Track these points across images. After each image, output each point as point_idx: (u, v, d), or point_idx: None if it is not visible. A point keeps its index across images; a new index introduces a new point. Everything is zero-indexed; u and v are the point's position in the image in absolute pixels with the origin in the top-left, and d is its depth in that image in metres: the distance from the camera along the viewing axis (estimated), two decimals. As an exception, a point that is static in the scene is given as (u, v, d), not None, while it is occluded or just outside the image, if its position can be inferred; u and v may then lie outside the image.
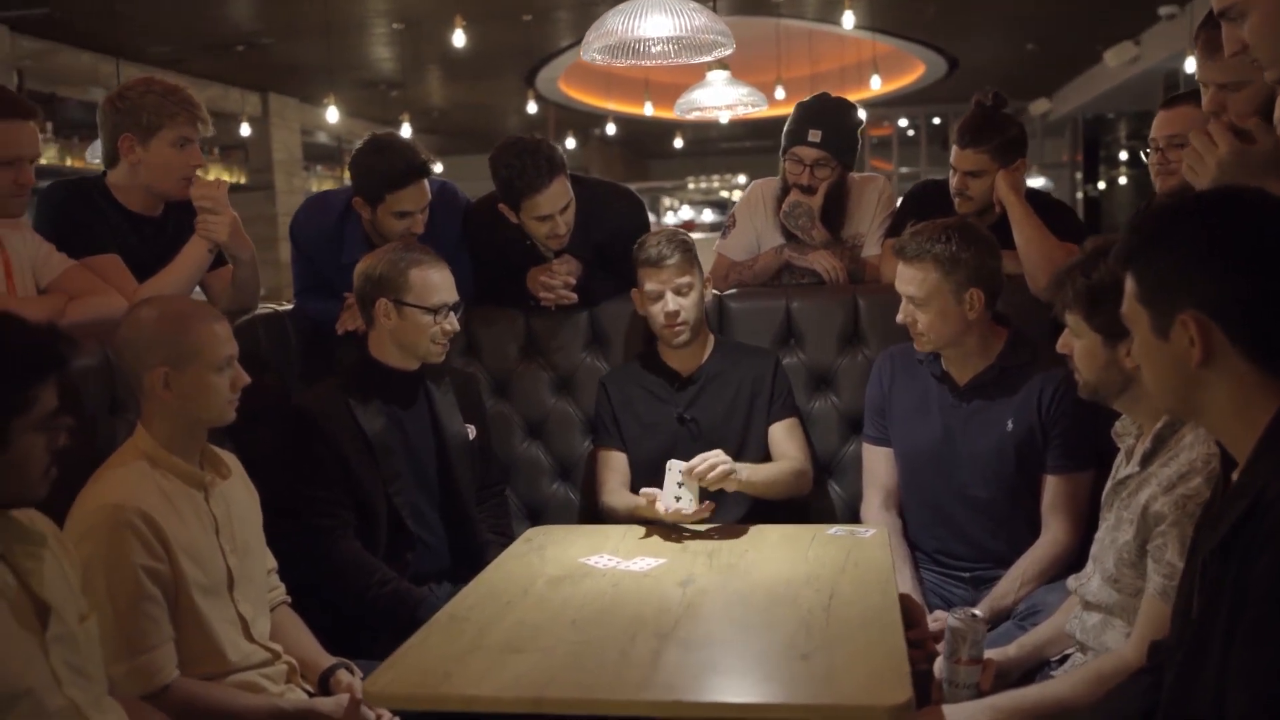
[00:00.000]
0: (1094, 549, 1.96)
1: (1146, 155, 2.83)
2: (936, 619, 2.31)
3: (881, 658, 1.67)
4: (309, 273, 2.96)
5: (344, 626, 2.30)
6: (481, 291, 2.96)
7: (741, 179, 18.19)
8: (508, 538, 2.60)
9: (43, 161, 7.56)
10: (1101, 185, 15.31)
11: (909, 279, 2.40)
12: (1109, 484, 1.95)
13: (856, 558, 2.17)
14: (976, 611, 1.94)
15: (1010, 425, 2.42)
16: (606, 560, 2.22)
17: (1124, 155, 14.87)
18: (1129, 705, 1.51)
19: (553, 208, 2.77)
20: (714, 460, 2.38)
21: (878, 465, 2.64)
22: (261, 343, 2.75)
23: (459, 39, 7.14)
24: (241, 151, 11.48)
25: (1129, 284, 1.39)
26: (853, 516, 2.71)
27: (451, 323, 2.51)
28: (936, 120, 15.67)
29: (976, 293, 2.38)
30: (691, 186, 20.86)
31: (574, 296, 2.93)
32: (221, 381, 1.97)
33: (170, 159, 2.52)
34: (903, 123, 16.19)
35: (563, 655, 1.73)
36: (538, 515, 3.00)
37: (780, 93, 9.07)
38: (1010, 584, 2.34)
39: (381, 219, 2.74)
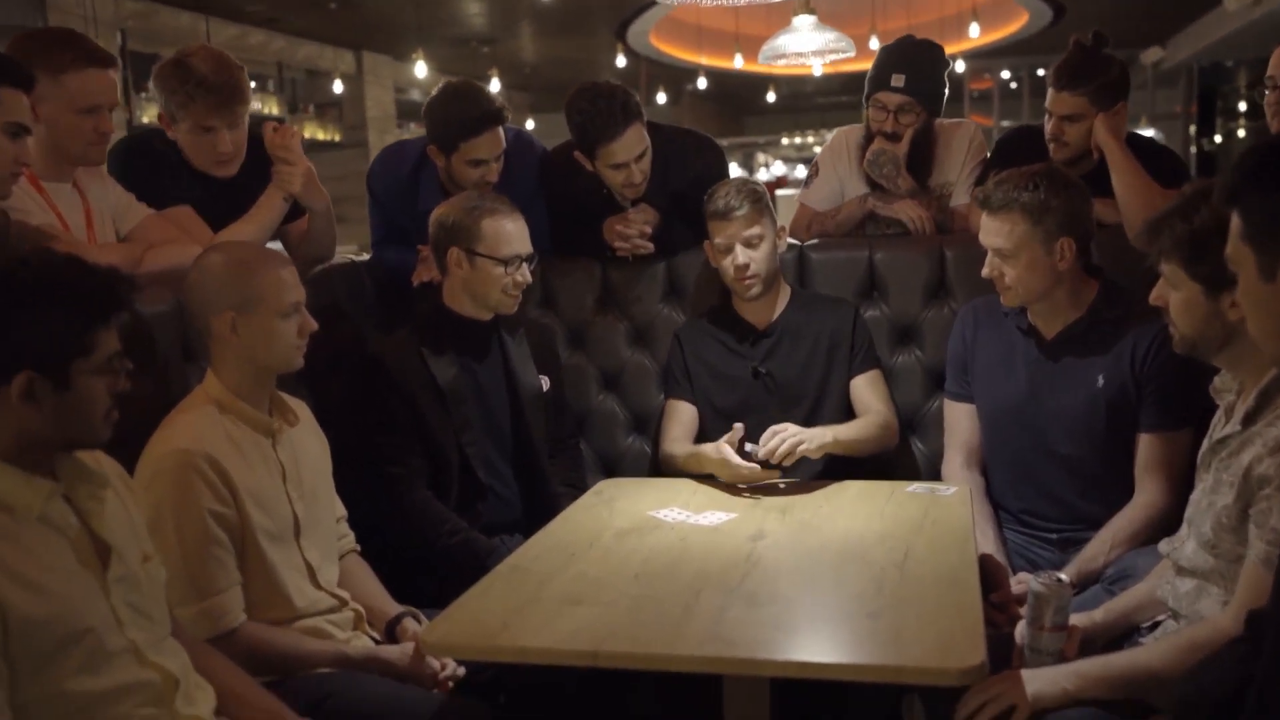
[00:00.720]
0: (1189, 512, 1.84)
1: (1263, 95, 2.66)
2: (1020, 581, 2.22)
3: (954, 618, 1.59)
4: (386, 222, 2.95)
5: (413, 576, 2.29)
6: (558, 241, 2.92)
7: (830, 136, 17.84)
8: (580, 490, 2.57)
9: (145, 120, 7.82)
10: (1218, 139, 14.62)
11: (995, 230, 2.29)
12: (1206, 443, 1.83)
13: (935, 516, 2.09)
14: (1062, 575, 1.84)
15: (1101, 381, 2.29)
16: (676, 514, 2.18)
17: (1243, 106, 14.16)
18: (1223, 675, 1.41)
19: (628, 155, 2.71)
20: (782, 436, 2.31)
21: (960, 422, 2.54)
22: (338, 292, 2.75)
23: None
24: (336, 109, 11.62)
25: (1235, 223, 1.29)
26: (936, 474, 2.62)
27: (524, 274, 2.47)
28: (1040, 71, 15.11)
29: (1067, 242, 2.25)
30: (785, 142, 20.55)
31: (651, 246, 2.87)
32: (288, 327, 1.96)
33: (194, 144, 2.48)
34: (1005, 74, 15.67)
35: (623, 609, 1.70)
36: (612, 468, 2.97)
37: (874, 44, 8.81)
38: (1100, 547, 2.23)
39: (456, 167, 2.71)
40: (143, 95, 7.98)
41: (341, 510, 2.21)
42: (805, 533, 2.05)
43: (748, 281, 2.60)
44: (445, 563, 2.34)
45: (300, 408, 2.11)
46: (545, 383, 2.65)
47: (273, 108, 10.37)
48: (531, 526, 2.41)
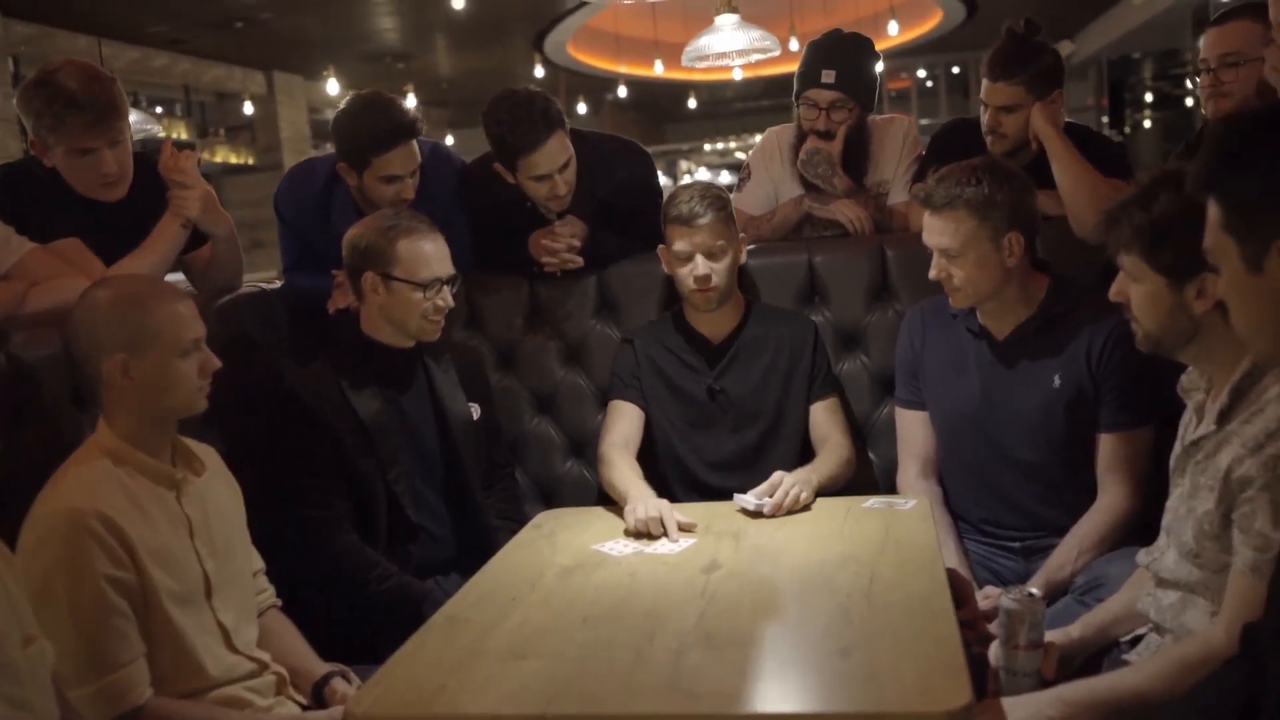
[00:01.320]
0: (1166, 520, 1.74)
1: (1195, 80, 2.60)
2: (987, 596, 2.12)
3: (933, 651, 1.47)
4: (297, 247, 2.78)
5: (342, 628, 2.12)
6: (481, 259, 2.76)
7: (759, 139, 17.91)
8: (518, 522, 2.42)
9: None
10: (1127, 129, 14.91)
11: (939, 230, 2.18)
12: (1178, 446, 1.74)
13: (897, 534, 1.98)
14: (1034, 590, 1.73)
15: (1058, 381, 2.20)
16: (623, 546, 2.04)
17: (1149, 97, 14.47)
18: (1224, 698, 1.31)
19: (551, 166, 2.57)
20: (787, 488, 2.16)
21: (913, 430, 2.43)
22: (247, 323, 2.57)
23: (459, 1, 6.90)
24: (248, 132, 11.32)
25: (1212, 212, 1.18)
26: (892, 485, 2.51)
27: (445, 298, 2.31)
28: (955, 69, 15.29)
29: (1015, 236, 2.16)
30: (708, 148, 20.57)
31: (580, 260, 2.72)
32: (188, 367, 1.78)
33: (74, 169, 2.27)
34: (921, 73, 15.82)
35: (571, 660, 1.55)
36: (551, 496, 2.82)
37: (795, 45, 8.79)
38: (1067, 554, 2.13)
39: (369, 185, 2.55)
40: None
41: (259, 563, 2.02)
42: (761, 560, 1.91)
43: (707, 294, 2.47)
44: (376, 612, 2.17)
45: (207, 453, 1.93)
46: (476, 410, 2.49)
47: (181, 132, 10.06)
48: (468, 565, 2.26)
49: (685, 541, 2.03)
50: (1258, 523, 1.48)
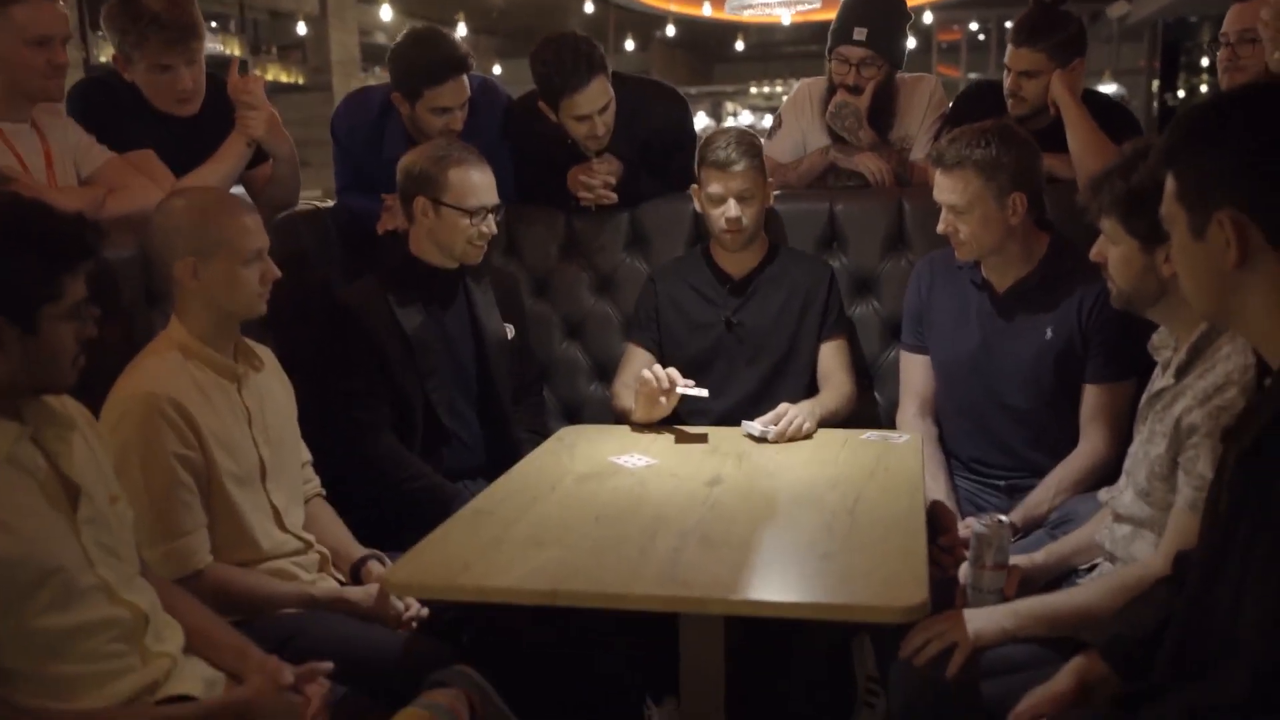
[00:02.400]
0: (1127, 463, 1.92)
1: (1217, 52, 2.71)
2: (967, 525, 2.29)
3: (900, 561, 1.66)
4: (351, 170, 2.96)
5: (378, 520, 2.33)
6: (522, 190, 2.94)
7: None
8: (543, 436, 2.61)
9: (102, 59, 7.67)
10: (1181, 94, 14.73)
11: (949, 188, 2.33)
12: (1144, 397, 1.90)
13: (887, 463, 2.16)
14: (1003, 517, 1.91)
15: (1050, 334, 2.36)
16: (636, 459, 2.23)
17: (1205, 61, 14.28)
18: (1149, 612, 1.49)
19: (591, 107, 2.73)
20: (789, 419, 2.36)
21: (914, 373, 2.60)
22: (303, 239, 2.76)
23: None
24: (299, 51, 11.46)
25: (1169, 183, 1.34)
26: (893, 422, 2.68)
27: (489, 225, 2.49)
28: (1009, 24, 15.13)
29: (1019, 197, 2.31)
30: (754, 91, 20.47)
31: (614, 196, 2.90)
32: (250, 274, 1.98)
33: (153, 84, 2.47)
34: (973, 26, 15.66)
35: (583, 551, 1.75)
36: (575, 415, 3.02)
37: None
38: (1045, 493, 2.31)
39: (420, 115, 2.72)
40: (99, 33, 7.83)
41: (307, 455, 2.24)
42: (761, 478, 2.11)
43: (737, 235, 2.63)
44: (409, 507, 2.37)
45: (265, 354, 2.14)
46: (510, 330, 2.68)
47: (234, 49, 10.23)
48: (495, 472, 2.45)
49: (693, 460, 2.23)
50: (1199, 465, 1.66)
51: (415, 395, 2.48)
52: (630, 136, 2.88)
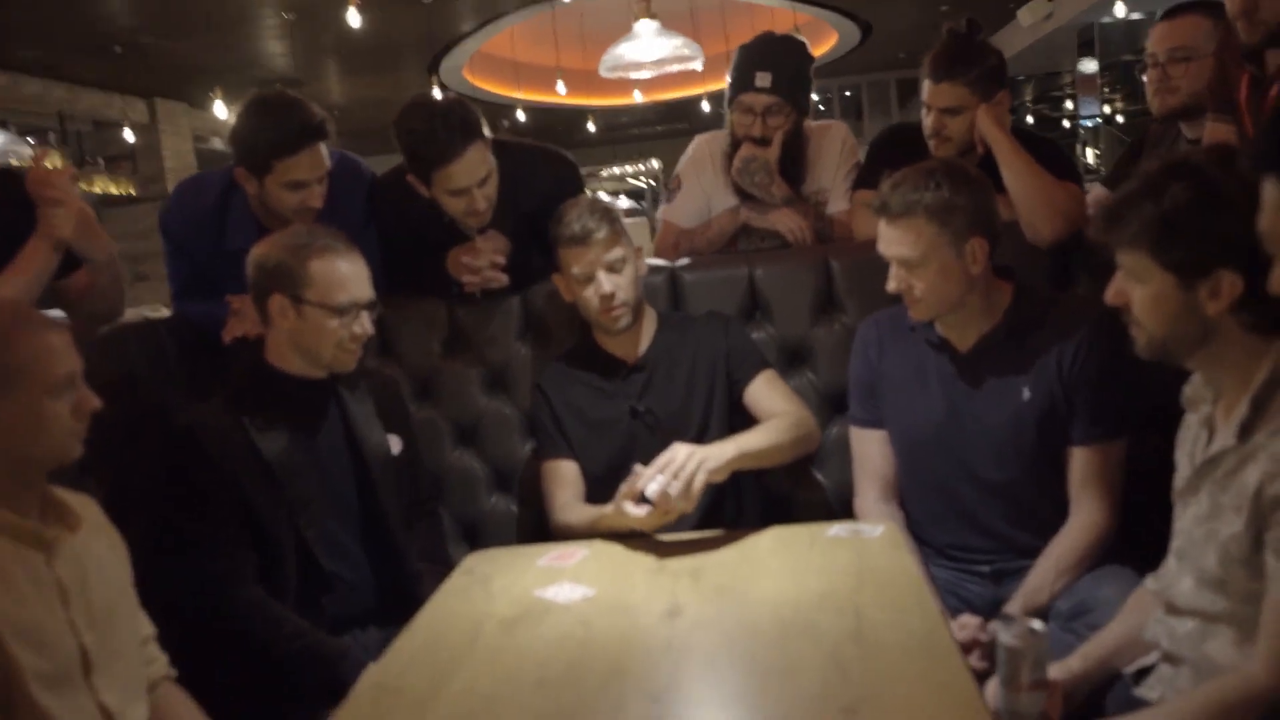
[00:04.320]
0: (1177, 543, 1.59)
1: (1142, 73, 2.52)
2: (963, 625, 1.96)
3: (945, 699, 1.29)
4: (186, 270, 2.51)
5: (249, 698, 1.87)
6: (394, 279, 2.51)
7: (655, 163, 17.89)
8: (443, 565, 2.20)
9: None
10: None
11: (897, 240, 2.03)
12: (1187, 464, 1.59)
13: (872, 565, 1.80)
14: (1036, 624, 1.56)
15: (1027, 394, 2.06)
16: (569, 591, 1.82)
17: (1030, 120, 14.76)
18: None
19: (470, 180, 2.35)
20: (674, 468, 1.98)
21: (871, 451, 2.27)
22: (132, 357, 2.31)
23: (354, 19, 6.62)
24: (129, 162, 10.78)
25: (1271, 193, 1.03)
26: (845, 508, 2.34)
27: (363, 325, 2.08)
28: (848, 93, 15.43)
29: (979, 242, 2.02)
30: (605, 174, 20.46)
31: (504, 278, 2.51)
32: (59, 408, 1.52)
33: None
34: (813, 97, 15.97)
35: (531, 733, 1.33)
36: (475, 534, 2.59)
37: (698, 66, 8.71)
38: (1044, 577, 1.99)
39: (271, 192, 2.30)
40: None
41: (148, 629, 1.74)
42: (728, 602, 1.72)
43: (616, 312, 2.28)
44: (287, 677, 1.93)
45: (85, 505, 1.65)
46: (396, 444, 2.25)
47: (56, 163, 9.50)
48: (389, 616, 2.04)
49: (636, 585, 1.83)
50: (1297, 545, 1.34)
51: (284, 535, 2.03)
52: (516, 208, 2.51)
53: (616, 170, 20.06)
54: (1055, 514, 2.07)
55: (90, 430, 1.59)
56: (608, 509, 2.04)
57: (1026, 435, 2.06)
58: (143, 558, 1.75)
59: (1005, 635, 1.54)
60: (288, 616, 1.97)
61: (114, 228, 1.96)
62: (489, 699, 1.42)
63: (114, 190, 10.29)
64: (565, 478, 2.33)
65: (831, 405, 2.50)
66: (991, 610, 2.09)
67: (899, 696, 1.31)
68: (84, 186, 9.39)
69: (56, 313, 2.26)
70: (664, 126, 17.25)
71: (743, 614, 1.65)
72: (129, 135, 10.26)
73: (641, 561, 1.95)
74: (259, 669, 1.93)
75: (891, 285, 2.06)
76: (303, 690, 1.92)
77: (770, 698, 1.37)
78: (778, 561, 1.88)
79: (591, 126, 15.93)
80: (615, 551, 2.01)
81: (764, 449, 2.14)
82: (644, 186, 18.03)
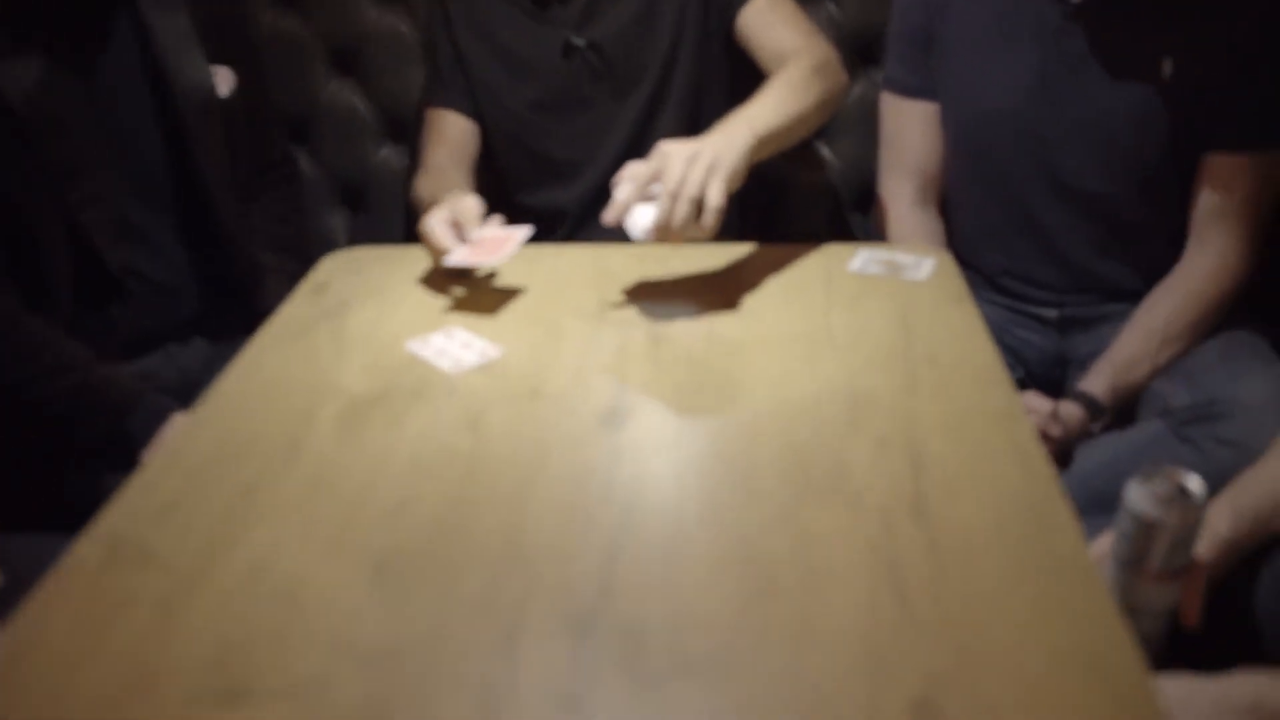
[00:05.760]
0: None
1: None
2: (1029, 409, 1.40)
3: (1080, 617, 0.71)
4: None
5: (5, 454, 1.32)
6: None
7: None
8: (300, 255, 1.59)
9: None
10: None
11: None
12: None
13: (928, 339, 1.15)
14: (1193, 483, 0.98)
15: (1169, 68, 1.37)
16: (457, 349, 1.19)
17: None
18: None
19: None
20: (680, 175, 1.17)
21: (910, 131, 1.60)
22: None
23: None
24: None
25: None
26: (853, 196, 1.72)
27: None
28: None
29: None
30: None
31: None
32: None
33: None
34: None
35: (347, 702, 0.73)
36: (357, 198, 1.97)
37: None
38: (1145, 341, 1.41)
39: None
40: None
41: None
42: (701, 398, 1.09)
43: None
44: (51, 430, 1.34)
45: None
46: (226, 78, 1.53)
47: None
48: (219, 325, 1.51)
49: (560, 346, 1.20)
50: None
51: (44, 216, 1.36)
52: None
53: None
54: (1161, 249, 1.46)
55: None
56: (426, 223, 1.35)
57: (1156, 130, 1.40)
58: None
59: (1139, 495, 0.97)
60: (50, 340, 1.35)
61: None
62: (293, 578, 0.80)
63: None
64: (445, 132, 1.70)
65: (856, 53, 1.79)
66: (1049, 368, 1.54)
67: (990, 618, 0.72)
68: None
69: None
70: None
71: (722, 424, 1.03)
72: None
73: (572, 288, 1.32)
74: (7, 421, 1.33)
75: None
76: (80, 446, 1.34)
77: (769, 625, 0.76)
78: (773, 318, 1.23)
79: None
80: (533, 265, 1.37)
81: (786, 122, 1.35)
82: None
